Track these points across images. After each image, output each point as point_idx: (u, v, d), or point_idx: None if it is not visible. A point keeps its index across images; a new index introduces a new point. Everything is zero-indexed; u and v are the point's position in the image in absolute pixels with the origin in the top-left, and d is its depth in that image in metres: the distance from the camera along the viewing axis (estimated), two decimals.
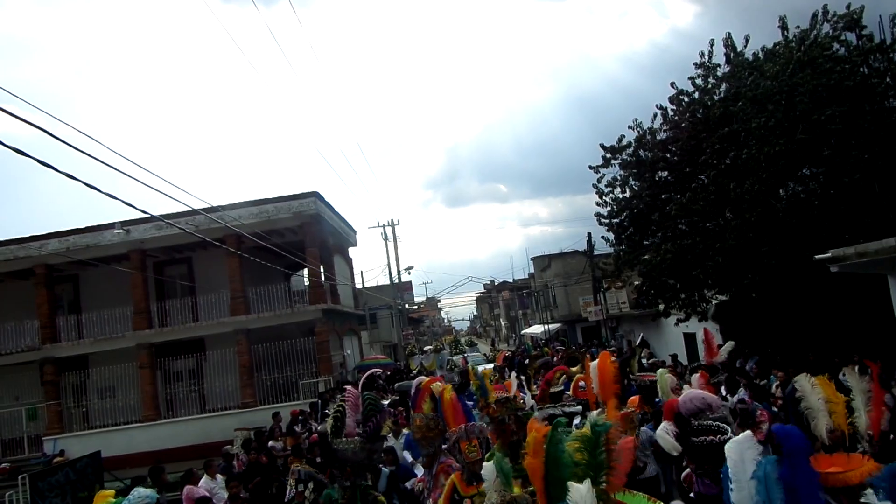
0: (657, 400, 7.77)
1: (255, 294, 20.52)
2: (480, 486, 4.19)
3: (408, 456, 8.26)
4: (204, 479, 8.77)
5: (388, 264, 36.10)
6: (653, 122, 14.70)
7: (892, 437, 5.12)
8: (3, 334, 20.64)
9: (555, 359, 16.13)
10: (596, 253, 28.93)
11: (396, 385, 16.58)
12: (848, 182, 11.23)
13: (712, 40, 13.89)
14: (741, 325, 14.65)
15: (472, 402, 7.17)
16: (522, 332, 51.67)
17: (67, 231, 20.31)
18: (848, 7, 12.07)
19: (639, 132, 14.80)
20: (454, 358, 23.51)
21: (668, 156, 14.56)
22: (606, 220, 15.50)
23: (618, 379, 6.41)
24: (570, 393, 9.58)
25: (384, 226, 35.68)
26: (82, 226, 20.42)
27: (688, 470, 5.20)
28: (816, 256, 9.15)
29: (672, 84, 14.43)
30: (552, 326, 39.89)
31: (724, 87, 13.91)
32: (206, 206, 12.06)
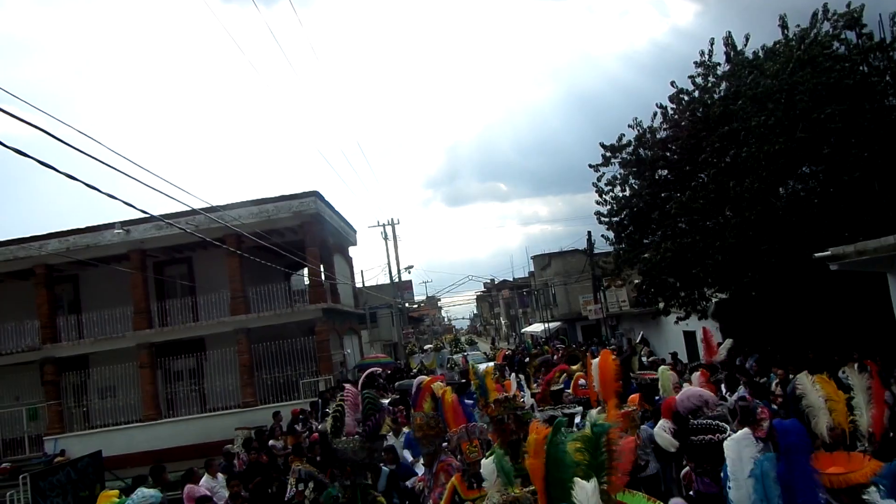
0: (657, 398, 7.79)
1: (256, 293, 20.53)
2: (482, 491, 4.20)
3: (408, 455, 8.27)
4: (205, 478, 8.78)
5: (389, 263, 36.20)
6: (653, 121, 14.74)
7: (891, 434, 5.14)
8: (4, 334, 20.64)
9: (555, 357, 16.16)
10: (596, 251, 28.95)
11: (397, 384, 16.60)
12: (847, 180, 11.24)
13: (712, 39, 13.93)
14: (741, 323, 14.66)
15: (472, 402, 7.19)
16: (522, 330, 51.69)
17: (67, 231, 20.31)
18: (848, 6, 12.07)
19: (639, 131, 14.81)
20: (454, 357, 23.55)
21: (668, 154, 14.57)
22: (606, 219, 15.51)
23: (619, 377, 6.42)
24: (570, 391, 9.60)
25: (384, 225, 35.78)
26: (82, 226, 20.42)
27: (687, 468, 5.20)
28: (816, 255, 9.16)
29: (672, 83, 14.45)
30: (552, 325, 39.92)
31: (724, 85, 13.93)
32: (206, 205, 12.07)
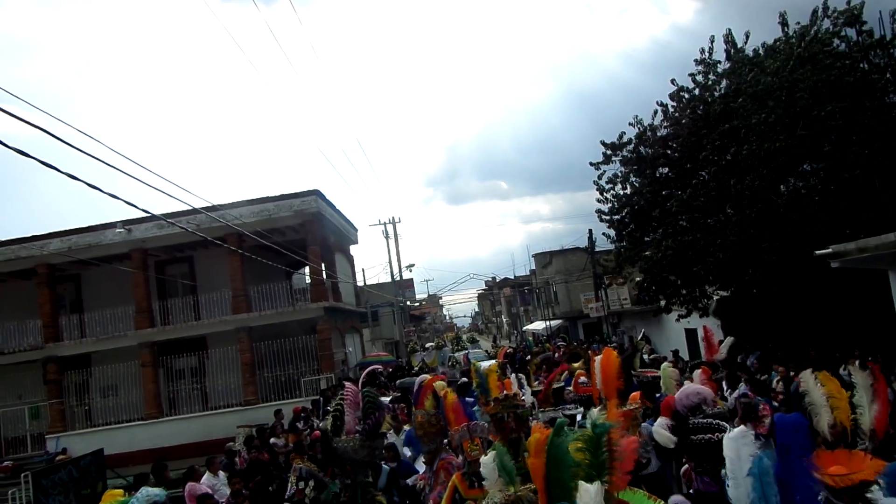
0: (658, 395, 7.80)
1: (257, 292, 20.56)
2: (483, 490, 4.21)
3: (407, 452, 8.28)
4: (206, 476, 8.80)
5: (390, 262, 36.16)
6: (653, 119, 14.72)
7: (892, 432, 5.13)
8: (6, 334, 20.71)
9: (556, 355, 16.16)
10: (597, 249, 28.95)
11: (398, 382, 16.64)
12: (848, 178, 11.24)
13: (712, 37, 13.91)
14: (742, 320, 14.66)
15: (473, 399, 7.20)
16: (524, 328, 51.71)
17: (69, 231, 20.36)
18: (848, 3, 12.05)
19: (639, 129, 14.79)
20: (456, 355, 23.54)
21: (669, 152, 14.56)
22: (607, 217, 15.49)
23: (621, 376, 6.43)
24: (570, 388, 9.62)
25: (385, 223, 35.74)
26: (84, 225, 20.48)
27: (686, 466, 5.20)
28: (817, 252, 9.15)
29: (672, 81, 14.41)
30: (553, 323, 39.92)
31: (724, 83, 13.90)
32: (208, 204, 12.09)
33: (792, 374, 9.18)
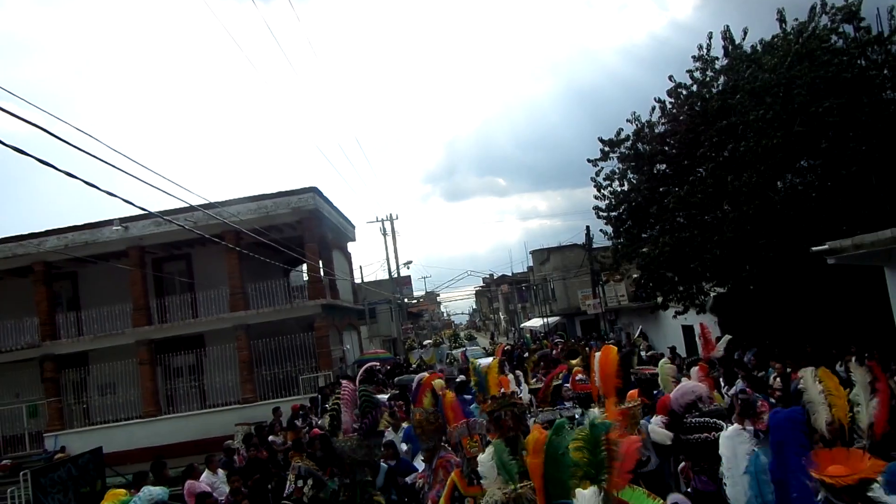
0: (656, 392, 7.82)
1: (255, 290, 20.55)
2: (482, 488, 4.21)
3: (404, 447, 8.28)
4: (205, 474, 8.80)
5: (387, 259, 36.13)
6: (651, 116, 14.71)
7: (890, 430, 5.12)
8: (3, 332, 20.66)
9: (553, 352, 16.17)
10: (594, 246, 28.93)
11: (396, 379, 16.63)
12: (845, 174, 11.26)
13: (710, 33, 13.92)
14: (739, 317, 14.70)
15: (471, 397, 7.21)
16: (522, 325, 51.71)
17: (66, 228, 20.29)
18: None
19: (637, 125, 14.80)
20: (454, 352, 23.54)
21: (667, 149, 14.57)
22: (605, 214, 15.51)
23: (620, 374, 6.42)
24: (568, 386, 9.62)
25: (383, 220, 35.67)
26: (81, 223, 20.42)
27: (683, 463, 5.20)
28: (814, 248, 9.17)
29: (670, 77, 14.43)
30: (551, 320, 39.93)
31: (722, 79, 13.91)
32: (205, 202, 12.10)
33: (789, 370, 9.21)
